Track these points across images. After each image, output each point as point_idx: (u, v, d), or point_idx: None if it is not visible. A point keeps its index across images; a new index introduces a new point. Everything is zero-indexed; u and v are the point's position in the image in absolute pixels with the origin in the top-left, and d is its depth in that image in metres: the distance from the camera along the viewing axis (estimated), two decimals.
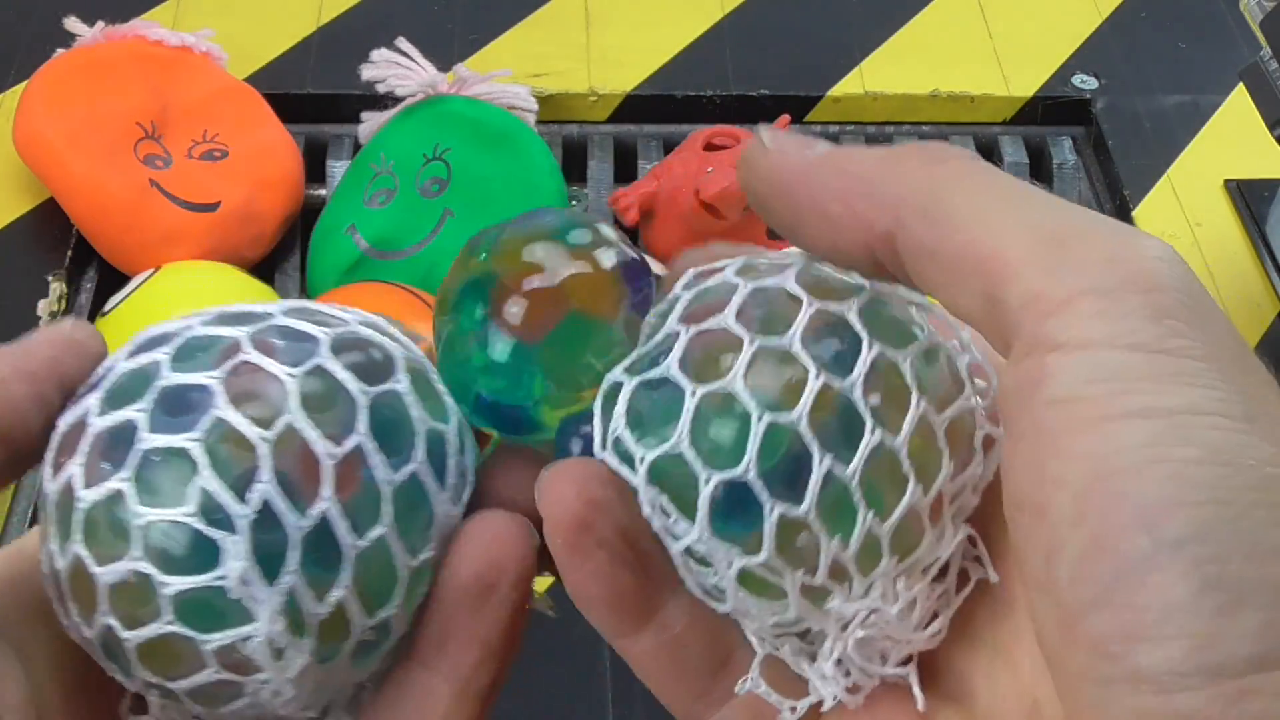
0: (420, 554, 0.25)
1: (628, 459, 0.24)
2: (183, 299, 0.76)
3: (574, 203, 0.86)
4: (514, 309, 0.24)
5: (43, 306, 0.77)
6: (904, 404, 0.24)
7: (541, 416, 0.25)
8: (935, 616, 0.25)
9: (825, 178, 0.24)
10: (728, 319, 0.24)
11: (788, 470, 0.23)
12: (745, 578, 0.24)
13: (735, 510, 0.24)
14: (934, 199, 0.23)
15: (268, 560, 0.23)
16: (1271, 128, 0.74)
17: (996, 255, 0.22)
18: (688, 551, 0.24)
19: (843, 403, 0.24)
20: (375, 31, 0.88)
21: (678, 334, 0.25)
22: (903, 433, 0.24)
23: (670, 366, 0.24)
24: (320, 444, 0.24)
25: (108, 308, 0.77)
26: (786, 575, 0.24)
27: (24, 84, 0.83)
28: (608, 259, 0.25)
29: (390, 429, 0.24)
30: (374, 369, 0.25)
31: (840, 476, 0.23)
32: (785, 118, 0.83)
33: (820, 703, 0.25)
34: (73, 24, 0.84)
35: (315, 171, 0.87)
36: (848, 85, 0.90)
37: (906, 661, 0.25)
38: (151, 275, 0.77)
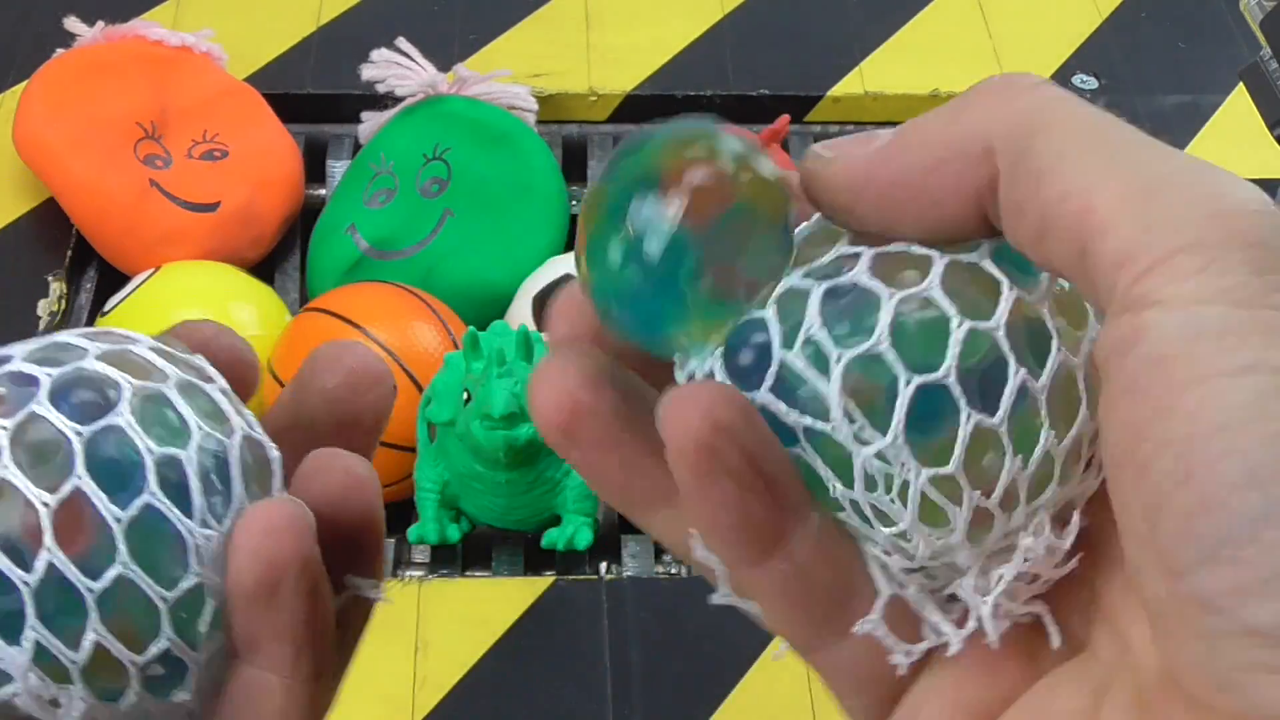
0: (181, 582, 0.24)
1: (820, 361, 0.24)
2: (183, 299, 0.76)
3: (574, 203, 0.86)
4: (679, 196, 0.23)
5: (43, 306, 0.77)
6: (1080, 327, 0.24)
7: (688, 318, 0.24)
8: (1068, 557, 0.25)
9: (907, 157, 0.24)
10: (908, 246, 0.24)
11: (985, 378, 0.23)
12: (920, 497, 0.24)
13: (930, 416, 0.23)
14: (1024, 145, 0.23)
15: (6, 620, 0.24)
16: (1271, 128, 0.74)
17: (1089, 209, 0.21)
18: (876, 457, 0.24)
19: (1034, 316, 0.24)
20: (375, 31, 0.88)
21: (856, 254, 0.24)
22: (1080, 355, 0.24)
23: (859, 274, 0.24)
24: (34, 493, 0.24)
25: (108, 308, 0.77)
26: (965, 493, 0.24)
27: (24, 84, 0.83)
28: (769, 169, 0.24)
29: (112, 466, 0.24)
30: (93, 407, 0.25)
31: (1032, 389, 0.24)
32: (785, 118, 0.83)
33: (934, 648, 0.25)
34: (73, 24, 0.84)
35: (315, 171, 0.87)
36: (848, 85, 0.90)
37: (1034, 600, 0.25)
38: (151, 275, 0.77)
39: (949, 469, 0.24)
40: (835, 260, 0.25)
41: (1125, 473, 0.21)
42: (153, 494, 0.24)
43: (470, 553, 0.71)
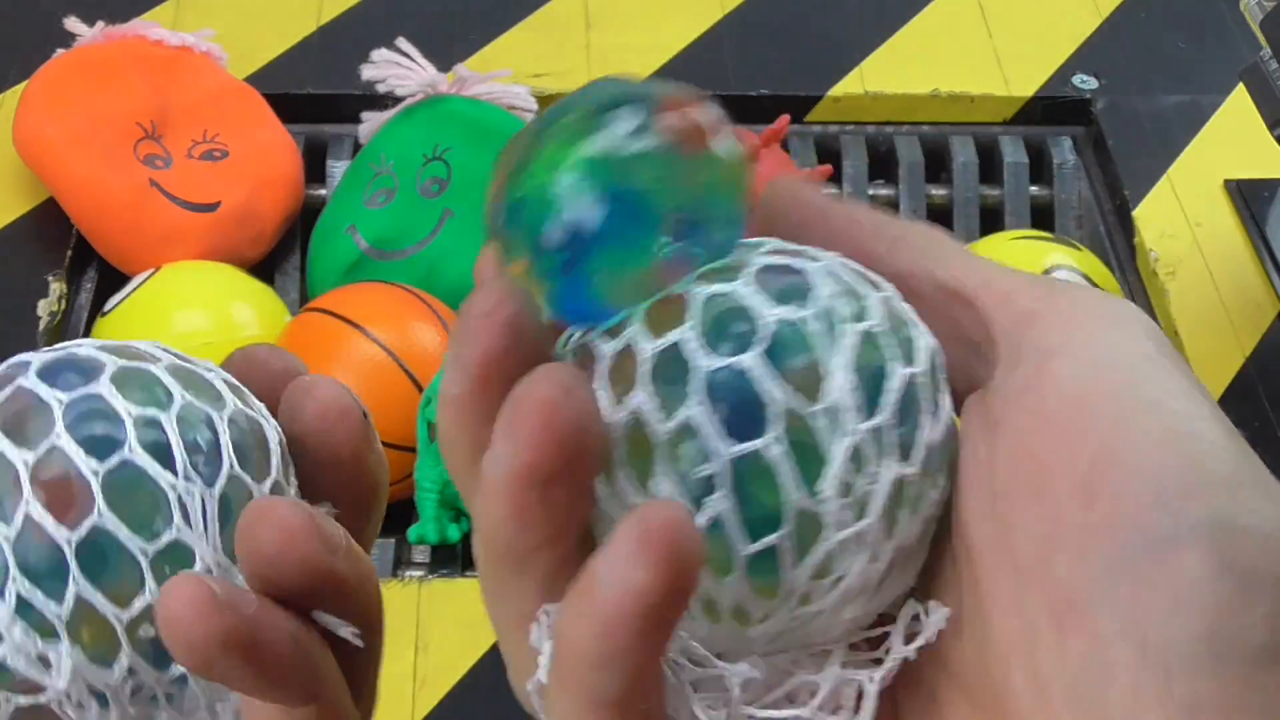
0: (162, 535, 0.25)
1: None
2: (183, 299, 0.76)
3: None
4: (662, 125, 0.22)
5: (43, 306, 0.77)
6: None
7: (638, 268, 0.22)
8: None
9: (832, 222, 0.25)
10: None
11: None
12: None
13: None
14: (928, 242, 0.25)
15: None
16: (1271, 128, 0.74)
17: (988, 284, 0.24)
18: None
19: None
20: (375, 31, 0.88)
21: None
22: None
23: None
24: (14, 453, 0.25)
25: (108, 308, 0.77)
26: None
27: (24, 84, 0.83)
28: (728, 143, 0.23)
29: (91, 426, 0.25)
30: (78, 379, 0.26)
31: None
32: (785, 118, 0.83)
33: None
34: (73, 24, 0.84)
35: (315, 171, 0.87)
36: (848, 85, 0.90)
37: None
38: (151, 275, 0.77)
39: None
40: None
41: (1014, 500, 0.22)
42: (131, 449, 0.25)
43: (470, 553, 0.71)
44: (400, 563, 0.71)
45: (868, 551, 0.22)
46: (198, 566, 0.25)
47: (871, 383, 0.22)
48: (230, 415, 0.26)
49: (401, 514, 0.75)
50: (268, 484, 0.26)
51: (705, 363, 0.22)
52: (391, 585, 0.66)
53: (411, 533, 0.70)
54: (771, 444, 0.21)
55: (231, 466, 0.26)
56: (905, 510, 0.22)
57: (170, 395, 0.26)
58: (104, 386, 0.25)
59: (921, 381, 0.23)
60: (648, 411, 0.22)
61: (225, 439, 0.26)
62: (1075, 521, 0.21)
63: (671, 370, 0.22)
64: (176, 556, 0.25)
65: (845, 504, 0.22)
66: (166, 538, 0.25)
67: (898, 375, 0.22)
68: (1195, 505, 0.20)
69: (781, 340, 0.22)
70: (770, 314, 0.22)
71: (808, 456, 0.22)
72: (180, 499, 0.25)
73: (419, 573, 0.69)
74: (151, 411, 0.25)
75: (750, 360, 0.22)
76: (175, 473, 0.25)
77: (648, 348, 0.22)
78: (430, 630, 0.64)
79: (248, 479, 0.26)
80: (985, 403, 0.23)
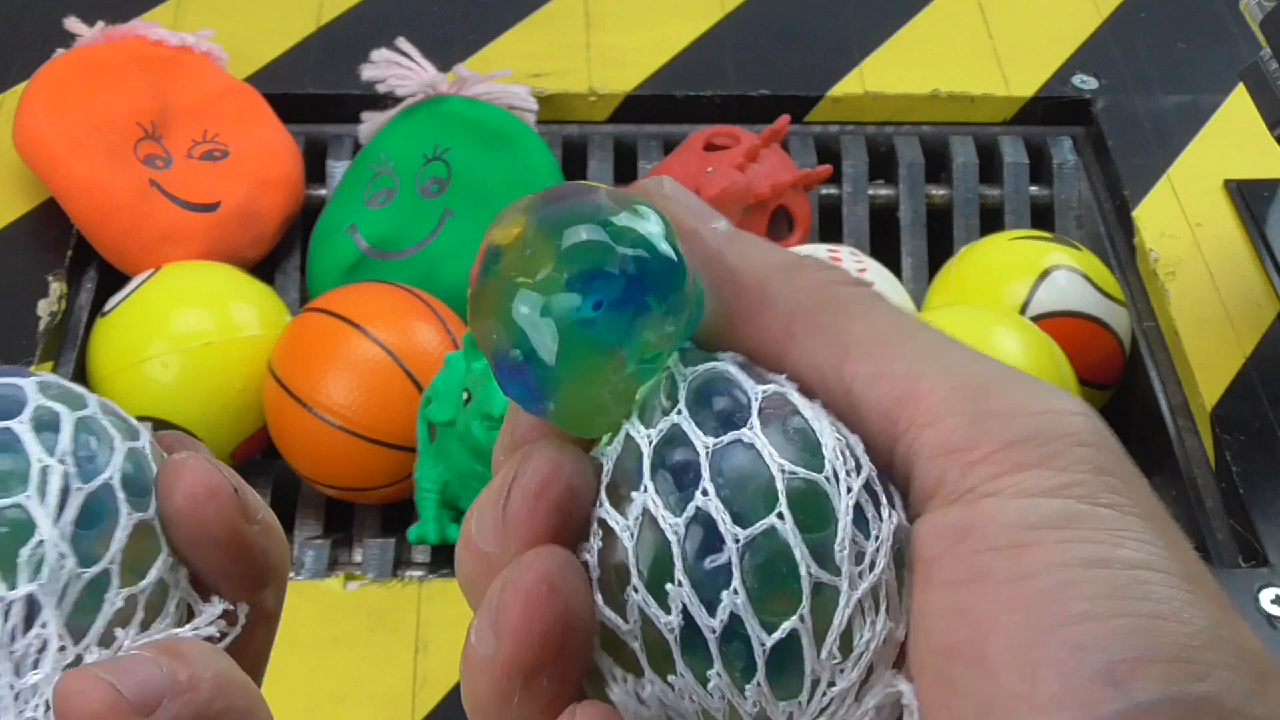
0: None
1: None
2: (183, 299, 0.76)
3: None
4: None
5: (43, 306, 0.77)
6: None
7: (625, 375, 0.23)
8: None
9: (724, 276, 0.23)
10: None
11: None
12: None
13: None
14: (831, 316, 0.22)
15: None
16: (1271, 128, 0.74)
17: (911, 398, 0.21)
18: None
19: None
20: (375, 31, 0.88)
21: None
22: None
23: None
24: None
25: (108, 308, 0.77)
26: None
27: (24, 84, 0.83)
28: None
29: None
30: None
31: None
32: (785, 118, 0.83)
33: None
34: (73, 24, 0.84)
35: (315, 171, 0.87)
36: (848, 85, 0.90)
37: None
38: (151, 275, 0.77)
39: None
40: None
41: (957, 665, 0.20)
42: (19, 423, 0.26)
43: None
44: (400, 563, 0.71)
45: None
46: (32, 539, 0.25)
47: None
48: (133, 448, 0.27)
49: (401, 514, 0.75)
50: (139, 518, 0.27)
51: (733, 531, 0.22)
52: (391, 585, 0.66)
53: (411, 533, 0.70)
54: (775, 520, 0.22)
55: (110, 478, 0.26)
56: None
57: (87, 403, 0.27)
58: (28, 384, 0.27)
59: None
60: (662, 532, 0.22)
61: (118, 459, 0.27)
62: (1018, 695, 0.19)
63: (704, 543, 0.22)
64: (16, 525, 0.25)
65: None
66: (9, 500, 0.25)
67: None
68: (1147, 678, 0.19)
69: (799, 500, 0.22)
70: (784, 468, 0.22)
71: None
72: (44, 473, 0.26)
73: (419, 573, 0.69)
74: (58, 406, 0.26)
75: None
76: (52, 454, 0.26)
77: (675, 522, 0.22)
78: (430, 630, 0.64)
79: (121, 498, 0.26)
80: (921, 539, 0.21)
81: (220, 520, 0.27)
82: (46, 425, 0.26)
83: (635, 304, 0.22)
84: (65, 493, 0.26)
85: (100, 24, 0.84)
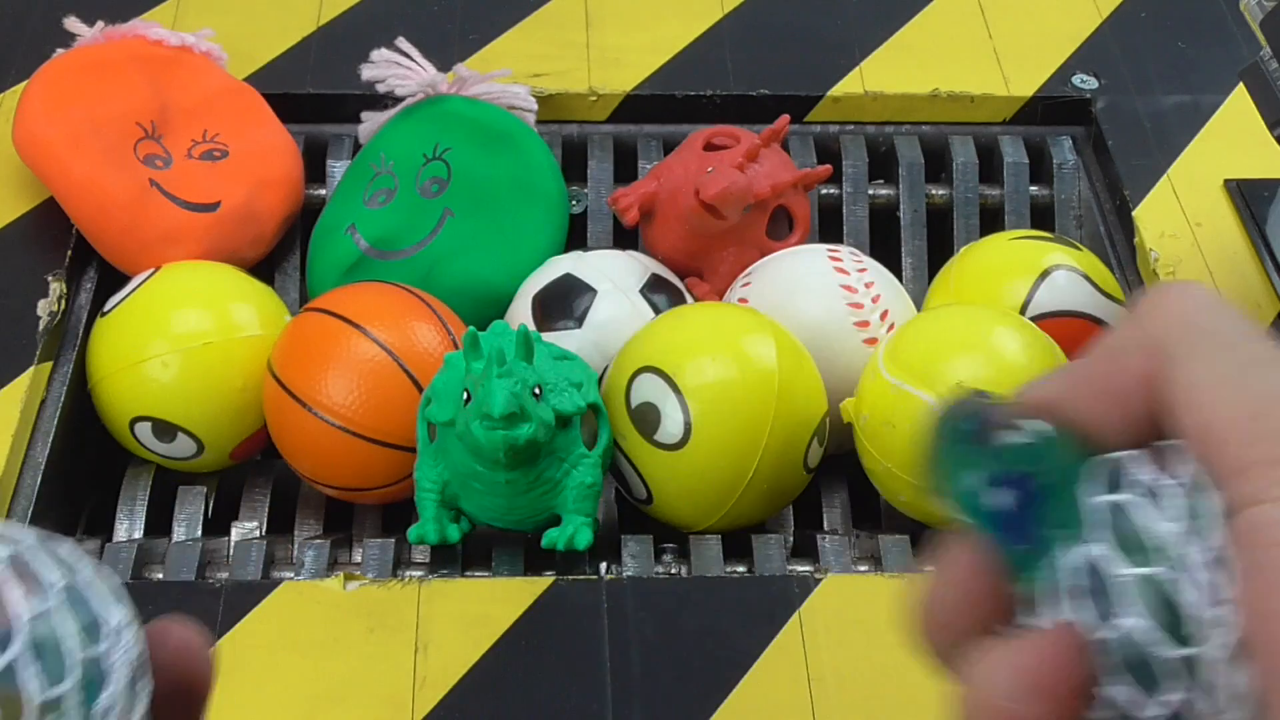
0: None
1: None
2: (183, 299, 0.76)
3: (574, 203, 0.86)
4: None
5: (43, 306, 0.77)
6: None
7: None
8: None
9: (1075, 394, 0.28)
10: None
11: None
12: None
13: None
14: (1170, 369, 0.27)
15: None
16: (1271, 128, 0.74)
17: (1209, 432, 0.26)
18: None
19: None
20: (375, 31, 0.88)
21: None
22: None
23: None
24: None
25: (108, 308, 0.77)
26: None
27: (24, 84, 0.83)
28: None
29: None
30: None
31: None
32: (785, 118, 0.83)
33: None
34: (73, 24, 0.84)
35: (315, 171, 0.87)
36: (848, 85, 0.90)
37: None
38: (151, 275, 0.77)
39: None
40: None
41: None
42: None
43: (470, 553, 0.71)
44: (400, 563, 0.71)
45: None
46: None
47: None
48: (123, 619, 0.29)
49: (402, 514, 0.75)
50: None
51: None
52: (391, 585, 0.66)
53: (411, 533, 0.70)
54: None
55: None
56: None
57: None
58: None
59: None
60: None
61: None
62: None
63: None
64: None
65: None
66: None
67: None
68: None
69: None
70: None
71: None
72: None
73: (419, 573, 0.69)
74: (55, 575, 0.28)
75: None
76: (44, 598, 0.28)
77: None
78: (430, 630, 0.64)
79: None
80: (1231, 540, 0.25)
81: (198, 677, 0.31)
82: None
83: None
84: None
85: (100, 24, 0.84)
